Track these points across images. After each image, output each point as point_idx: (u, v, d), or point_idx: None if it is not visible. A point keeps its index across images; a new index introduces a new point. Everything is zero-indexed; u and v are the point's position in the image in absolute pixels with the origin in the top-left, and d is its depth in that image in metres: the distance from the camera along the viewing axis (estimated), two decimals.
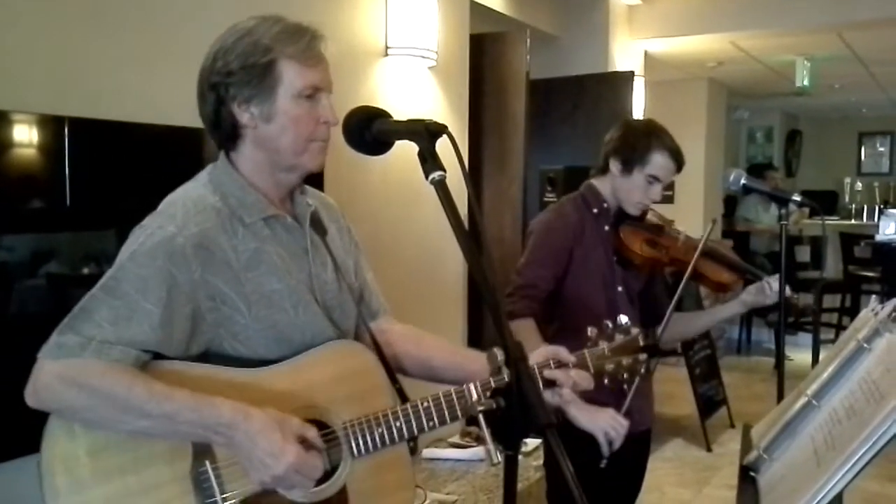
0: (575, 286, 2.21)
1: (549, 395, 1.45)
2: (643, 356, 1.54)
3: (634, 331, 1.55)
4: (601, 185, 2.30)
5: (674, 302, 2.21)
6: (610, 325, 1.54)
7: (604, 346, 1.52)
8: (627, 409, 2.10)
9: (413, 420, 1.39)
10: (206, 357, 1.35)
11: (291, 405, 1.34)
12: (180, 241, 1.30)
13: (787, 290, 2.25)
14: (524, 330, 2.10)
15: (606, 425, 1.97)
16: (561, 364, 1.46)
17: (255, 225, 1.39)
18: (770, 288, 2.26)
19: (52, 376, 1.25)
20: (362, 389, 1.41)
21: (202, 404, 1.26)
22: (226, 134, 1.41)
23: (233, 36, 1.38)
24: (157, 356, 1.30)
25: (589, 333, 1.53)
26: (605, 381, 1.50)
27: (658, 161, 2.19)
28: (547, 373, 1.45)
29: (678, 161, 2.22)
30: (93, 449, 1.27)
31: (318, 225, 1.49)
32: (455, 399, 1.39)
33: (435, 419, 1.39)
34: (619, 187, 2.25)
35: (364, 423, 1.37)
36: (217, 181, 1.41)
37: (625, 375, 1.52)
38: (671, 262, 2.32)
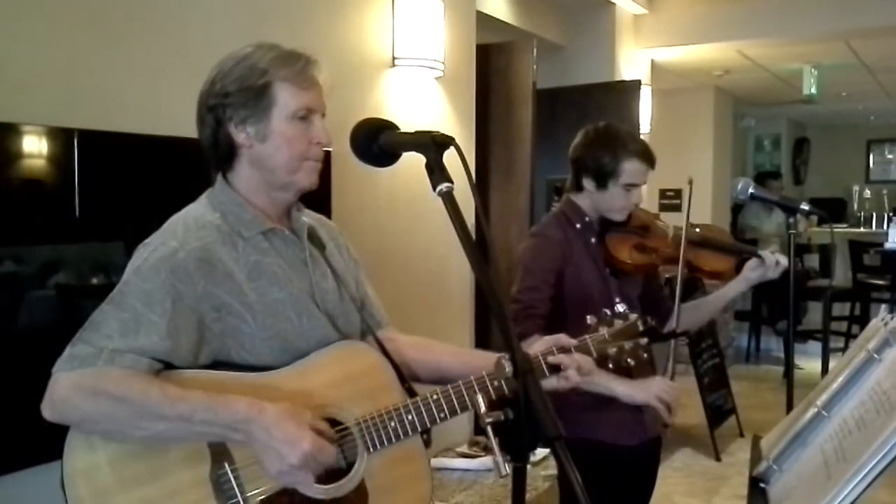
0: (571, 306, 2.16)
1: (555, 381, 1.51)
2: (644, 340, 1.59)
3: (632, 316, 1.60)
4: (579, 199, 2.28)
5: (678, 304, 2.21)
6: (608, 312, 1.59)
7: (604, 331, 1.57)
8: (671, 373, 2.17)
9: (424, 412, 1.43)
10: (215, 367, 1.39)
11: (303, 405, 1.36)
12: (182, 255, 1.36)
13: (785, 260, 2.25)
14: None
15: (659, 391, 2.06)
16: (563, 349, 1.52)
17: (254, 238, 1.45)
18: (770, 260, 2.24)
19: (68, 388, 1.28)
20: (371, 387, 1.45)
21: (216, 403, 1.30)
22: (223, 154, 1.47)
23: (230, 61, 1.45)
24: (169, 367, 1.34)
25: (588, 321, 1.58)
26: (610, 364, 1.56)
27: (629, 169, 2.18)
28: (551, 358, 1.50)
29: (649, 160, 2.20)
30: (113, 459, 1.30)
31: (315, 240, 1.54)
32: (463, 390, 1.44)
33: (445, 410, 1.43)
34: (599, 201, 2.24)
35: (377, 418, 1.40)
36: (216, 200, 1.48)
37: (629, 360, 1.58)
38: (665, 262, 2.29)
